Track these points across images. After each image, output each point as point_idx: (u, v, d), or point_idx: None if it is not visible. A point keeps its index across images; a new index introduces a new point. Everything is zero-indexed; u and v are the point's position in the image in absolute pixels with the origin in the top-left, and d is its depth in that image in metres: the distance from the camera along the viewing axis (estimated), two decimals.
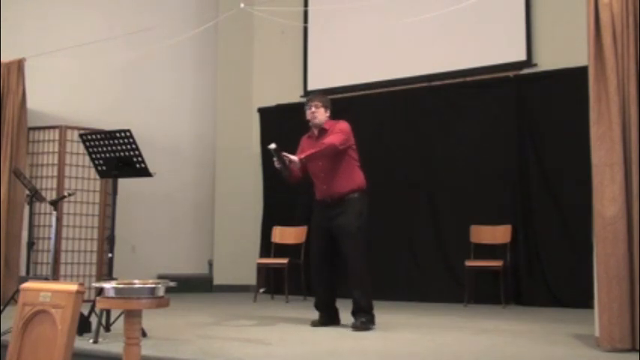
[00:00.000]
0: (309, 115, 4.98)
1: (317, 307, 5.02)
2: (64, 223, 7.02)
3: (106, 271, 5.33)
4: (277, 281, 7.80)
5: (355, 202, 4.82)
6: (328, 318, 4.94)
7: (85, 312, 4.17)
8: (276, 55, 8.88)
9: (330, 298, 4.97)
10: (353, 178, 4.87)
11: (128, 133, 4.34)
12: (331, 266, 4.91)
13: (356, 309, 4.78)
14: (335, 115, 5.08)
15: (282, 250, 7.57)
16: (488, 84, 7.28)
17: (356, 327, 4.66)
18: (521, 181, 6.98)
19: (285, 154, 4.61)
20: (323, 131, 4.95)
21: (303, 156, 4.71)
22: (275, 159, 4.58)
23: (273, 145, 4.53)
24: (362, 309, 4.73)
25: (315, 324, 4.92)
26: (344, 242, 4.75)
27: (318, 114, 4.94)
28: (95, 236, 7.26)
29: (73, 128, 7.17)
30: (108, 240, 4.74)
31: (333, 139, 4.78)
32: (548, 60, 6.96)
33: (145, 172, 4.48)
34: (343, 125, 4.92)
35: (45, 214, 6.90)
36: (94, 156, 4.53)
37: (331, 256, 4.89)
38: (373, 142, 7.25)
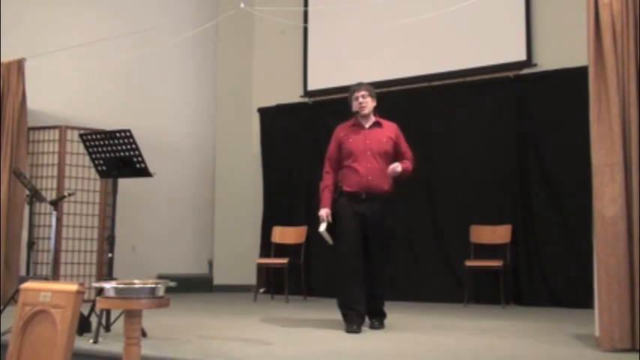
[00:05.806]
0: (356, 105, 4.69)
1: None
2: (64, 223, 7.02)
3: (106, 271, 5.32)
4: (277, 281, 7.80)
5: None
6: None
7: (85, 312, 4.17)
8: (276, 55, 8.87)
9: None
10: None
11: (128, 133, 4.34)
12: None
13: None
14: (335, 115, 5.05)
15: (282, 250, 7.57)
16: (488, 84, 7.28)
17: (375, 327, 4.70)
18: (522, 181, 6.97)
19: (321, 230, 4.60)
20: (377, 125, 4.72)
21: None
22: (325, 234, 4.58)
23: (322, 228, 4.55)
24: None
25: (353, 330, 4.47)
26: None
27: (367, 103, 4.70)
28: (95, 236, 7.26)
29: (73, 128, 7.17)
30: (108, 240, 4.74)
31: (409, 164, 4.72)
32: (548, 60, 6.96)
33: (144, 172, 4.49)
34: (398, 132, 4.78)
35: (45, 214, 6.90)
36: (94, 156, 4.54)
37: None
38: None
